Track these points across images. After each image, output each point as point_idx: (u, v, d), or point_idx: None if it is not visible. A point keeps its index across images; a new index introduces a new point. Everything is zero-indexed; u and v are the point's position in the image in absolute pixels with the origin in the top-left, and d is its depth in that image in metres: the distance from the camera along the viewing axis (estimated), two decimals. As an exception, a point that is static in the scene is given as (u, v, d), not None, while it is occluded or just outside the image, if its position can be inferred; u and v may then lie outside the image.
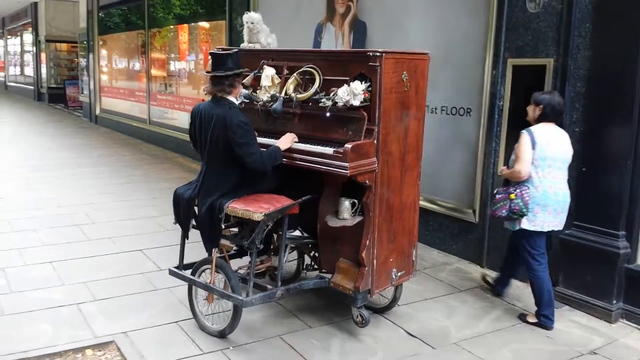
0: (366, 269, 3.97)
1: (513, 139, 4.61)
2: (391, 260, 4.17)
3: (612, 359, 4.03)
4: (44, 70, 23.27)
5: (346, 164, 3.68)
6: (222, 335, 4.01)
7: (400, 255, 4.25)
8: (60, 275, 5.01)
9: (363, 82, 3.80)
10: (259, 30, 4.80)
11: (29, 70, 26.51)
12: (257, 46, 4.80)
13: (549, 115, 4.30)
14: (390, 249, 4.15)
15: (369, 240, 3.96)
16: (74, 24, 19.92)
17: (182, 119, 11.23)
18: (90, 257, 5.49)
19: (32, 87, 25.39)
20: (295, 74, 4.21)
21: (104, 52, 16.39)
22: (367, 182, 3.85)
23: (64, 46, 22.68)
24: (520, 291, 4.97)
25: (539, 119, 4.33)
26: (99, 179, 9.01)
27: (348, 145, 3.70)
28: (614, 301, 4.56)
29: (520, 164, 4.24)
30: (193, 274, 4.17)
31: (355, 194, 4.03)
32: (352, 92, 3.78)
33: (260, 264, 4.42)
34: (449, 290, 5.04)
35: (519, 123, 4.58)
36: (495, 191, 4.55)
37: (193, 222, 4.13)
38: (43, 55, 23.05)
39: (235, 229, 4.20)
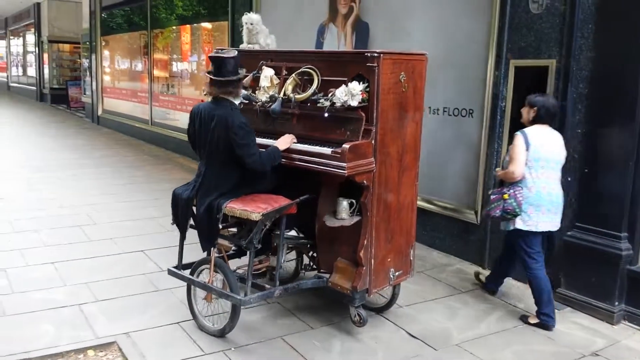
0: (364, 268, 3.99)
1: (515, 140, 4.61)
2: (389, 260, 4.18)
3: (614, 360, 4.02)
4: (46, 70, 23.29)
5: (344, 164, 3.70)
6: (221, 334, 4.01)
7: (398, 255, 4.27)
8: (62, 275, 5.01)
9: (361, 83, 3.82)
10: (258, 31, 4.82)
11: (32, 71, 26.54)
12: (256, 47, 4.82)
13: (543, 117, 4.38)
14: (388, 248, 4.16)
15: (366, 240, 3.97)
16: (76, 25, 19.96)
17: (184, 120, 11.12)
18: (92, 257, 5.50)
19: (34, 88, 25.43)
20: (293, 75, 4.23)
21: (106, 52, 16.40)
22: (364, 182, 3.86)
23: (66, 47, 22.70)
24: (522, 292, 4.97)
25: (533, 121, 4.42)
26: (100, 180, 9.01)
27: (346, 146, 3.72)
28: (616, 303, 4.55)
29: (514, 165, 4.30)
30: (192, 273, 4.18)
31: (353, 194, 4.05)
32: (350, 93, 3.80)
33: (258, 263, 4.43)
34: (450, 292, 5.03)
35: (521, 124, 4.58)
36: (490, 192, 4.62)
37: (191, 222, 4.14)
38: (45, 56, 23.08)
39: (234, 229, 4.22)
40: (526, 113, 4.48)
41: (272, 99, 4.26)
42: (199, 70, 11.32)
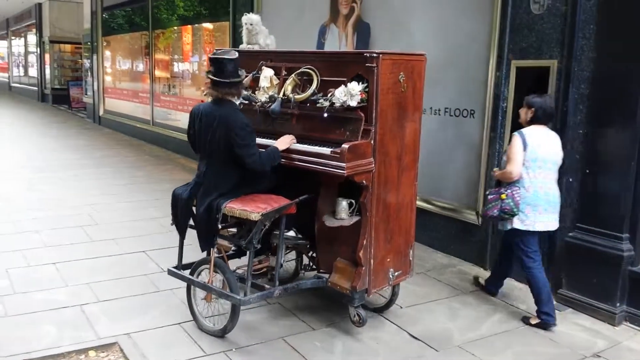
0: (363, 268, 4.00)
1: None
2: (388, 260, 4.19)
3: (615, 361, 4.02)
4: (47, 71, 23.31)
5: (343, 164, 3.71)
6: (220, 335, 4.03)
7: (397, 255, 4.28)
8: (63, 276, 5.02)
9: (360, 83, 3.83)
10: (258, 32, 4.84)
11: (33, 71, 26.56)
12: (256, 47, 4.84)
13: (541, 117, 4.44)
14: (387, 248, 4.17)
15: (366, 240, 3.98)
16: (77, 25, 19.97)
17: (186, 121, 11.02)
18: (93, 258, 5.50)
19: (36, 88, 25.44)
20: (293, 75, 4.24)
21: (107, 53, 16.41)
22: (364, 182, 3.87)
23: (67, 47, 22.72)
24: (523, 294, 4.96)
25: (531, 121, 4.47)
26: (102, 180, 9.02)
27: (345, 146, 3.73)
28: (618, 304, 4.55)
29: (512, 165, 4.34)
30: (192, 273, 4.19)
31: (353, 194, 4.06)
32: (349, 93, 3.81)
33: (258, 264, 4.44)
34: (452, 293, 5.03)
35: (522, 125, 4.61)
36: (487, 192, 4.65)
37: (191, 222, 4.15)
38: (47, 56, 23.09)
39: (234, 230, 4.23)
40: (524, 114, 4.53)
41: (272, 99, 4.27)
42: (200, 70, 11.32)
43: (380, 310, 4.56)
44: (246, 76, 4.20)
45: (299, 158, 4.02)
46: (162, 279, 4.89)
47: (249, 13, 4.95)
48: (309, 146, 4.01)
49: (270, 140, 4.14)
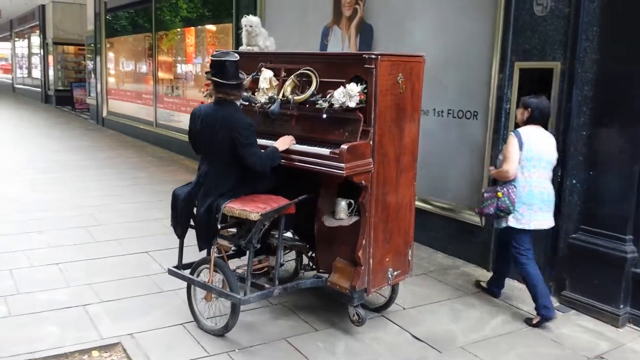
0: (362, 268, 4.01)
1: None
2: (387, 259, 4.21)
3: (618, 363, 4.01)
4: (51, 72, 23.36)
5: (342, 165, 3.73)
6: (220, 334, 4.04)
7: (396, 255, 4.30)
8: (66, 276, 5.03)
9: (359, 84, 3.85)
10: (258, 34, 4.88)
11: (37, 73, 26.60)
12: (256, 49, 4.88)
13: (537, 118, 4.51)
14: (386, 248, 4.19)
15: (365, 240, 4.00)
16: (81, 27, 19.99)
17: (189, 122, 11.22)
18: (97, 258, 5.51)
19: (39, 90, 25.49)
20: (292, 76, 4.27)
21: (111, 54, 16.44)
22: (363, 182, 3.89)
23: (71, 49, 22.76)
24: (526, 295, 4.92)
25: (527, 121, 4.54)
26: (105, 181, 9.04)
27: (344, 146, 3.74)
28: (621, 306, 4.54)
29: (508, 164, 4.41)
30: (192, 273, 4.21)
31: (352, 195, 4.08)
32: (348, 94, 3.83)
33: (258, 263, 4.45)
34: (455, 294, 5.02)
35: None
36: (483, 190, 4.71)
37: (191, 222, 4.17)
38: (50, 58, 23.15)
39: (234, 230, 4.26)
40: (520, 114, 4.61)
41: (271, 100, 4.31)
42: (203, 72, 11.33)
43: (380, 309, 4.57)
44: (249, 79, 4.23)
45: (299, 159, 4.04)
46: (165, 280, 4.88)
47: (247, 15, 4.97)
48: (308, 147, 4.04)
49: (270, 141, 4.16)
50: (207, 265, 4.08)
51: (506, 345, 4.16)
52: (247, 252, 4.04)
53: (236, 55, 4.07)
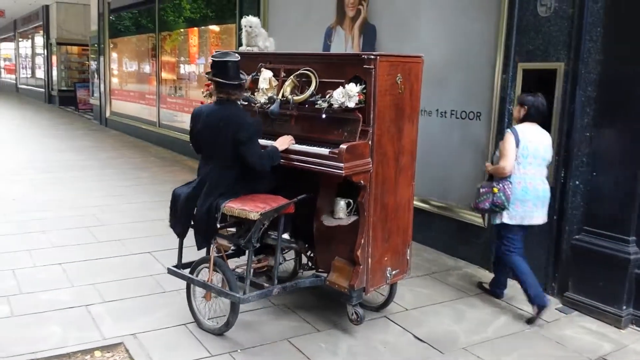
0: (361, 267, 4.03)
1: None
2: (386, 259, 4.22)
3: (621, 365, 4.00)
4: (54, 72, 23.40)
5: (341, 164, 3.75)
6: (219, 333, 4.06)
7: (395, 254, 4.31)
8: (69, 276, 5.03)
9: (358, 85, 3.86)
10: (257, 34, 4.91)
11: (40, 73, 26.65)
12: (255, 49, 4.90)
13: (533, 115, 4.57)
14: (385, 247, 4.20)
15: (363, 239, 4.01)
16: (84, 27, 20.05)
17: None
18: (99, 259, 5.51)
19: (43, 90, 25.55)
20: (292, 77, 4.28)
21: (114, 55, 16.47)
22: (362, 182, 3.91)
23: (74, 49, 22.81)
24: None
25: (524, 119, 4.61)
26: (107, 181, 9.05)
27: (343, 146, 3.76)
28: (624, 307, 4.53)
29: (505, 161, 4.48)
30: (191, 272, 4.22)
31: (351, 194, 4.11)
32: (347, 94, 3.84)
33: (257, 263, 4.46)
34: (458, 295, 5.02)
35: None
36: (479, 185, 4.74)
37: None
38: (54, 58, 23.18)
39: (233, 229, 4.28)
40: (517, 112, 4.68)
41: (271, 100, 4.32)
42: (207, 72, 11.33)
43: (378, 309, 4.58)
44: (250, 78, 4.25)
45: (298, 158, 4.06)
46: (168, 280, 4.88)
47: (253, 15, 4.99)
48: (307, 147, 4.06)
49: (269, 141, 4.18)
50: (207, 265, 4.09)
51: (508, 347, 4.15)
52: (247, 251, 4.06)
53: (237, 55, 4.09)
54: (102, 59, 16.63)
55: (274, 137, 4.20)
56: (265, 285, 4.12)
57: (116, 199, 7.86)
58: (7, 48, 36.45)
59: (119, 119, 15.76)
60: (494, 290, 4.98)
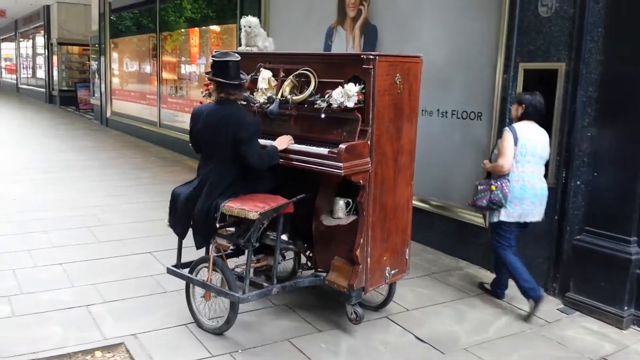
0: (360, 266, 4.03)
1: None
2: (385, 258, 4.23)
3: (623, 365, 4.00)
4: (55, 72, 23.41)
5: (340, 164, 3.75)
6: (219, 332, 4.06)
7: (394, 254, 4.32)
8: (70, 276, 5.03)
9: (357, 85, 3.86)
10: (256, 34, 4.92)
11: (41, 73, 26.67)
12: (254, 49, 4.90)
13: (531, 113, 4.59)
14: (384, 247, 4.21)
15: (363, 239, 4.02)
16: (85, 27, 20.06)
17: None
18: (100, 259, 5.51)
19: (43, 90, 25.55)
20: (291, 77, 4.29)
21: (115, 55, 16.47)
22: (361, 181, 3.91)
23: (75, 49, 22.82)
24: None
25: (521, 117, 4.63)
26: (108, 181, 9.05)
27: (342, 146, 3.77)
28: (626, 307, 4.52)
29: (503, 159, 4.50)
30: (191, 272, 4.22)
31: (350, 194, 4.12)
32: (346, 94, 3.85)
33: (256, 262, 4.47)
34: (459, 295, 5.01)
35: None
36: (477, 182, 4.76)
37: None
38: (55, 58, 23.19)
39: (232, 229, 4.29)
40: (515, 110, 4.70)
41: (270, 100, 4.32)
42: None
43: (377, 308, 4.59)
44: (250, 78, 4.25)
45: (297, 158, 4.07)
46: (169, 280, 4.87)
47: (254, 15, 4.99)
48: (306, 146, 4.07)
49: (269, 141, 4.18)
50: (206, 264, 4.10)
51: (510, 347, 4.15)
52: (246, 251, 4.06)
53: (238, 55, 4.09)
54: (102, 59, 16.63)
55: (273, 137, 4.21)
56: (265, 284, 4.13)
57: (117, 199, 7.86)
58: (8, 48, 36.46)
59: (120, 119, 15.76)
60: (495, 291, 4.97)
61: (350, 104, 3.84)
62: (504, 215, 4.57)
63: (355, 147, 3.84)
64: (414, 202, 4.51)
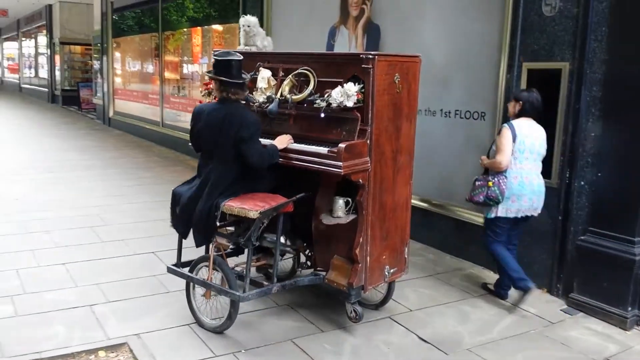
0: (360, 265, 4.04)
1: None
2: (384, 257, 4.24)
3: (627, 366, 3.99)
4: (58, 72, 23.45)
5: (340, 163, 3.76)
6: (219, 331, 4.07)
7: (393, 253, 4.33)
8: (73, 276, 5.03)
9: (356, 84, 3.87)
10: (255, 34, 4.94)
11: (43, 73, 26.69)
12: (254, 49, 4.91)
13: (528, 110, 4.64)
14: (383, 246, 4.22)
15: (362, 238, 4.03)
16: (88, 27, 20.06)
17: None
18: (103, 258, 5.51)
19: (46, 90, 25.58)
20: (290, 76, 4.29)
21: (117, 54, 16.48)
22: (360, 181, 3.92)
23: (78, 48, 22.84)
24: (536, 297, 4.91)
25: (519, 114, 4.67)
26: (110, 181, 9.05)
27: (342, 145, 3.77)
28: (629, 308, 4.51)
29: (502, 156, 4.54)
30: (191, 271, 4.23)
31: (349, 193, 4.12)
32: (345, 94, 3.85)
33: (256, 261, 4.48)
34: (462, 296, 5.00)
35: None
36: (475, 178, 4.79)
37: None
38: (57, 58, 23.23)
39: (232, 228, 4.31)
40: (512, 107, 4.75)
41: (269, 99, 4.32)
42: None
43: (377, 306, 4.60)
44: (251, 77, 4.26)
45: (297, 157, 4.08)
46: (171, 280, 4.87)
47: (256, 15, 5.00)
48: (306, 146, 4.08)
49: (268, 140, 4.19)
50: (206, 263, 4.10)
51: (513, 348, 4.14)
52: (246, 250, 4.07)
53: (239, 54, 4.09)
54: (105, 58, 16.64)
55: (273, 137, 4.22)
56: (265, 283, 4.15)
57: (119, 199, 7.86)
58: (11, 47, 36.51)
59: (122, 118, 15.77)
60: (499, 291, 4.96)
61: (350, 104, 3.85)
62: (502, 211, 4.60)
63: (354, 146, 3.84)
64: (417, 201, 4.52)
